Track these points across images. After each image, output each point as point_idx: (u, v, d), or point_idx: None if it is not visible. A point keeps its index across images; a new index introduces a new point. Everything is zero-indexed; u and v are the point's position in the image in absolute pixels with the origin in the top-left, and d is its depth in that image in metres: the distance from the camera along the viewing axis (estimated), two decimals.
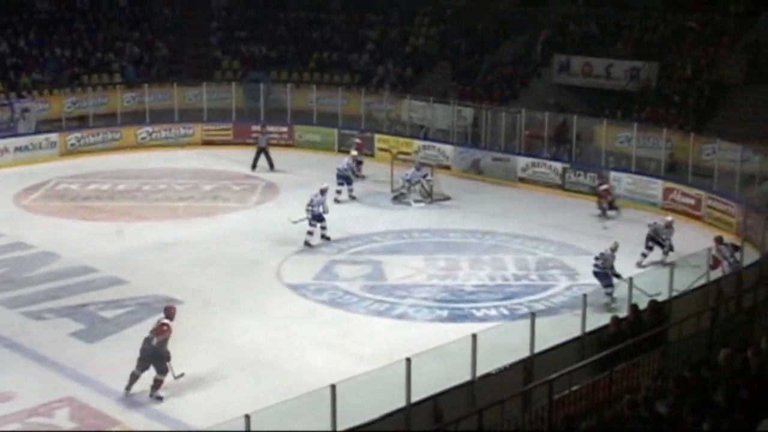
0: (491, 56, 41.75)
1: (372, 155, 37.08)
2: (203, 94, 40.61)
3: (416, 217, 29.62)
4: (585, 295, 17.92)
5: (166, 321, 17.65)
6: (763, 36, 36.18)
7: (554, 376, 14.52)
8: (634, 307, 17.78)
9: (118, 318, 21.28)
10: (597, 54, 38.20)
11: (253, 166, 35.12)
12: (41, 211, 29.96)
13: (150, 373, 17.53)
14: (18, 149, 36.25)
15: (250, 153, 35.80)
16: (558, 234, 27.89)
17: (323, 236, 26.92)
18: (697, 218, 29.23)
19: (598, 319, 17.70)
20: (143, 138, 39.19)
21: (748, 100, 34.45)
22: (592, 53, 38.33)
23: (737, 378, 11.76)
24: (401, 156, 34.59)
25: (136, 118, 39.71)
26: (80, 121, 38.81)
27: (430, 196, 31.23)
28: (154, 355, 17.46)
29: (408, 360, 14.41)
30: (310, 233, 26.54)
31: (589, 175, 32.17)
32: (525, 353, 16.34)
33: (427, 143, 36.59)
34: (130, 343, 19.62)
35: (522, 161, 34.13)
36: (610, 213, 29.77)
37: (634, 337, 16.61)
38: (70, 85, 40.94)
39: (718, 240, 23.07)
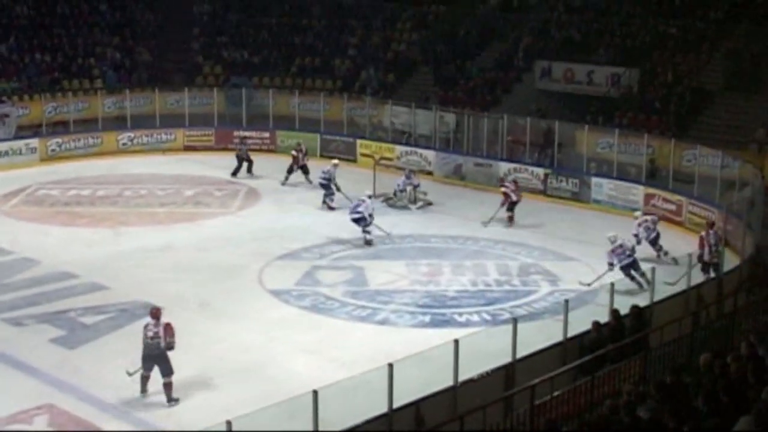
0: (473, 62, 41.83)
1: (354, 160, 37.12)
2: (185, 100, 40.53)
3: (398, 222, 29.60)
4: (567, 301, 17.96)
5: (167, 321, 17.77)
6: (743, 42, 36.35)
7: (536, 381, 14.58)
8: (615, 313, 17.84)
9: (99, 324, 21.20)
10: (578, 60, 38.32)
11: (234, 173, 35.14)
12: (21, 217, 29.84)
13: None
14: None
15: (231, 158, 35.75)
16: (540, 239, 27.96)
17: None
18: (678, 224, 29.34)
19: (580, 325, 17.74)
20: (124, 144, 39.09)
21: (728, 106, 34.62)
22: (573, 59, 38.45)
23: (717, 383, 11.82)
24: (383, 161, 34.64)
25: (117, 123, 39.63)
26: (61, 127, 38.66)
27: (414, 203, 31.21)
28: (161, 356, 17.56)
29: (390, 365, 14.43)
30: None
31: (571, 181, 32.28)
32: (507, 359, 16.39)
33: (409, 149, 36.63)
34: (110, 349, 19.66)
35: (504, 167, 34.19)
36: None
37: (616, 343, 16.69)
38: (51, 91, 40.81)
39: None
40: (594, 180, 32.02)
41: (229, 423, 12.51)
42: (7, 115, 37.55)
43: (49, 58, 42.51)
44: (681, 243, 26.67)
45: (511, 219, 29.64)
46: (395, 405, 14.56)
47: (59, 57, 42.88)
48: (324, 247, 27.05)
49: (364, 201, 27.44)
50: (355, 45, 45.32)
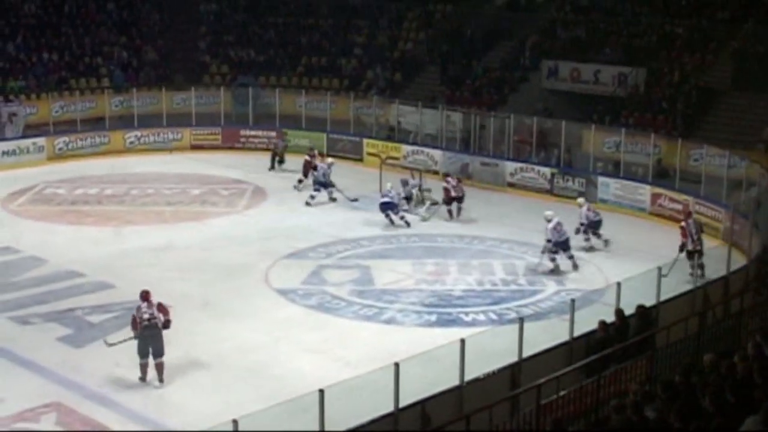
0: (479, 61, 41.81)
1: (361, 160, 37.14)
2: (191, 99, 40.61)
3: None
4: (573, 300, 17.94)
5: (159, 301, 18.37)
6: (750, 42, 36.29)
7: (542, 381, 14.54)
8: (620, 313, 17.81)
9: (105, 323, 21.20)
10: (585, 59, 38.29)
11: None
12: (28, 216, 29.89)
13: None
14: (5, 153, 36.17)
15: (238, 157, 35.80)
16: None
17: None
18: None
19: (586, 324, 17.72)
20: (131, 142, 39.15)
21: (735, 106, 34.55)
22: (580, 59, 38.41)
23: (724, 383, 11.79)
24: (390, 161, 34.63)
25: (124, 122, 39.69)
26: (68, 126, 38.71)
27: (423, 204, 31.15)
28: (157, 336, 18.09)
29: (396, 365, 14.42)
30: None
31: (578, 181, 32.26)
32: (513, 358, 16.37)
33: (416, 148, 36.62)
34: (116, 347, 19.60)
35: (510, 166, 34.20)
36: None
37: (622, 342, 16.66)
38: (58, 90, 40.88)
39: (688, 214, 25.16)
40: (600, 179, 32.00)
41: (235, 422, 12.51)
42: (14, 114, 37.61)
43: (56, 57, 42.55)
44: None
45: (450, 213, 30.01)
46: (401, 404, 14.55)
47: (66, 56, 42.93)
48: (330, 246, 27.05)
49: (390, 191, 28.64)
50: (361, 44, 45.33)
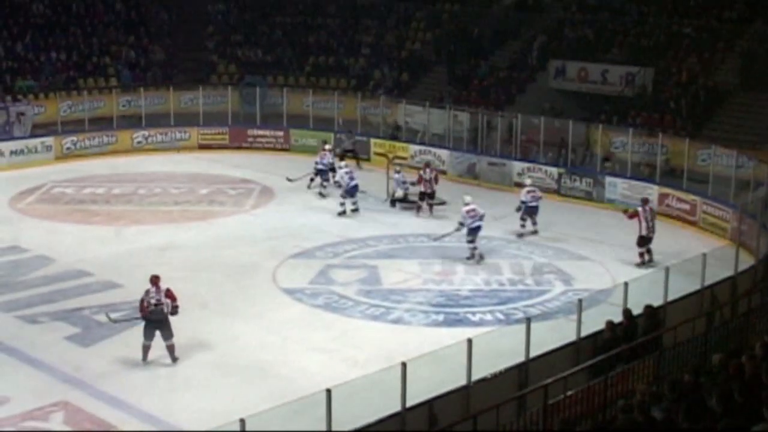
0: (487, 61, 41.81)
1: (368, 160, 37.15)
2: (199, 98, 40.66)
3: (411, 222, 29.60)
4: (580, 300, 17.93)
5: (167, 287, 18.94)
6: (758, 42, 36.25)
7: (549, 381, 14.54)
8: (627, 313, 17.79)
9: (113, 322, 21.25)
10: (593, 59, 38.26)
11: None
12: (36, 215, 29.94)
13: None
14: (13, 153, 36.24)
15: (245, 157, 35.79)
16: (553, 239, 27.92)
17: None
18: (692, 224, 29.27)
19: (594, 324, 17.70)
20: (139, 142, 39.20)
21: (742, 106, 34.52)
22: (587, 59, 38.39)
23: (732, 383, 11.78)
24: (397, 161, 34.61)
25: (131, 121, 39.76)
26: (76, 125, 38.78)
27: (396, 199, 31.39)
28: (164, 321, 18.74)
29: (403, 364, 14.42)
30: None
31: (585, 181, 32.24)
32: (520, 358, 16.36)
33: (423, 148, 36.61)
34: (124, 346, 19.69)
35: (518, 166, 34.18)
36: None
37: (629, 342, 16.65)
38: (66, 89, 40.95)
39: (645, 201, 26.60)
40: (608, 179, 31.97)
41: (242, 421, 12.53)
42: (23, 114, 37.68)
43: (64, 57, 42.64)
44: (695, 243, 26.65)
45: (419, 209, 30.41)
46: (408, 404, 14.55)
47: (74, 56, 43.01)
48: (337, 245, 27.06)
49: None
50: (369, 44, 45.36)
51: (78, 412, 17.12)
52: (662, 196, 30.49)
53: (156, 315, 18.71)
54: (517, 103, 38.69)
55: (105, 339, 20.39)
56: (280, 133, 39.76)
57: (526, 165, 34.04)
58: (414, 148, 36.71)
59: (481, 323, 21.43)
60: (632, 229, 27.48)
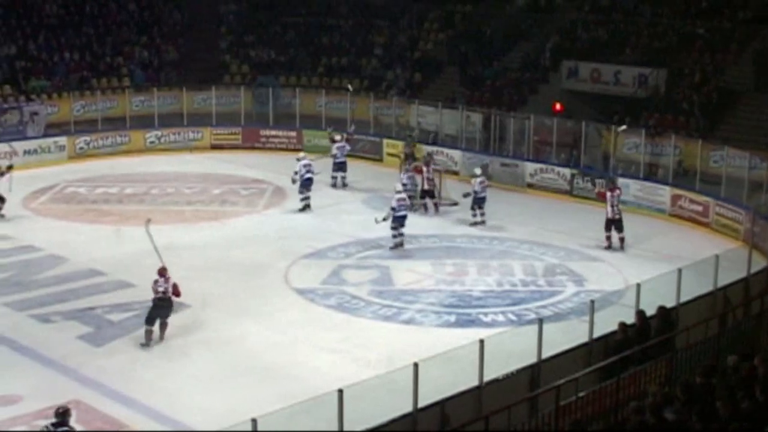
0: (499, 62, 41.76)
1: (381, 160, 37.14)
2: (212, 99, 40.72)
3: (423, 222, 29.59)
4: (593, 302, 17.89)
5: (173, 281, 20.23)
6: None
7: (561, 382, 14.52)
8: (641, 314, 17.75)
9: (125, 321, 21.29)
10: (605, 60, 38.15)
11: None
12: (49, 215, 30.01)
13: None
14: (27, 152, 36.30)
15: (258, 157, 35.82)
16: (566, 240, 27.88)
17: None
18: (705, 225, 29.18)
19: (606, 326, 17.67)
20: (152, 142, 39.28)
21: (756, 107, 34.37)
22: (600, 59, 38.29)
23: (744, 385, 11.75)
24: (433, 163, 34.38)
25: (144, 122, 39.81)
26: (89, 125, 38.86)
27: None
28: (168, 308, 20.10)
29: (415, 365, 14.41)
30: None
31: (598, 182, 32.18)
32: (532, 359, 16.34)
33: (436, 149, 36.58)
34: (136, 346, 19.73)
35: (530, 167, 34.14)
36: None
37: (642, 344, 16.61)
38: (79, 89, 41.02)
39: (612, 186, 27.63)
40: (620, 181, 31.86)
41: (254, 421, 12.53)
42: (36, 113, 37.76)
43: (77, 57, 42.71)
44: (708, 244, 26.55)
45: (424, 207, 30.73)
46: (420, 404, 14.55)
47: (88, 56, 43.09)
48: (349, 246, 27.07)
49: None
50: (381, 45, 45.33)
51: (90, 410, 17.15)
52: (675, 198, 30.42)
53: (161, 302, 20.00)
54: (529, 103, 38.63)
55: (117, 338, 20.44)
56: (293, 134, 39.78)
57: (538, 166, 33.98)
58: (426, 148, 36.62)
59: (493, 324, 21.41)
60: (646, 231, 27.50)
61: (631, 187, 31.44)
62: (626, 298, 20.37)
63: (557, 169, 33.53)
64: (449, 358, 16.07)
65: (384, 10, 47.06)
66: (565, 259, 26.30)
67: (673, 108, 35.60)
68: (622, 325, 17.46)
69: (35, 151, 36.55)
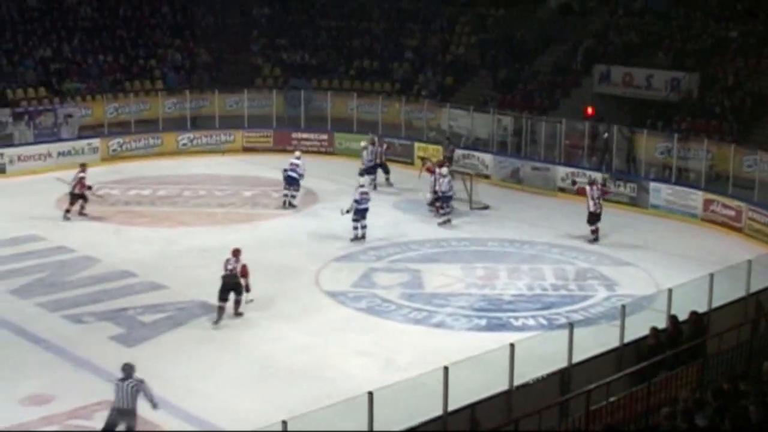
0: (531, 66, 41.66)
1: (412, 163, 37.13)
2: (244, 101, 40.83)
3: (455, 225, 29.56)
4: (624, 306, 17.85)
5: (243, 263, 21.75)
6: None
7: (592, 386, 14.49)
8: (673, 319, 17.68)
9: (157, 322, 21.43)
10: (638, 64, 37.96)
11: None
12: (83, 216, 30.17)
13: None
14: (61, 154, 36.57)
15: (289, 160, 35.72)
16: (597, 244, 27.78)
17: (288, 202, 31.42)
18: (738, 230, 29.01)
19: (637, 331, 17.61)
20: (184, 144, 39.44)
21: None
22: (632, 63, 38.11)
23: None
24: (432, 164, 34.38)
25: (177, 124, 39.99)
26: (122, 127, 39.09)
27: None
28: (237, 285, 21.55)
29: (445, 368, 14.42)
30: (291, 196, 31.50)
31: (629, 186, 32.06)
32: (563, 363, 16.31)
33: (467, 152, 36.55)
34: (168, 347, 19.90)
35: (562, 171, 34.04)
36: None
37: (673, 349, 16.53)
38: (112, 91, 41.24)
39: (592, 182, 28.78)
40: (652, 185, 31.77)
41: (284, 423, 12.57)
42: (70, 116, 38.03)
43: (111, 60, 42.95)
44: (739, 249, 26.45)
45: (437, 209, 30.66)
46: (450, 408, 14.55)
47: (121, 58, 43.32)
48: (380, 249, 27.09)
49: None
50: (413, 48, 45.30)
51: None
52: (707, 202, 30.25)
53: (228, 279, 21.46)
54: (561, 107, 38.52)
55: (148, 339, 20.57)
56: (325, 137, 39.85)
57: (569, 170, 33.88)
58: (457, 152, 36.53)
59: (523, 328, 21.40)
60: (678, 236, 27.36)
61: (662, 192, 31.36)
62: (658, 302, 20.31)
63: (589, 173, 33.39)
64: (479, 361, 16.05)
65: (415, 13, 47.03)
66: (596, 263, 26.23)
67: (705, 112, 35.39)
68: (654, 329, 17.40)
69: (69, 152, 36.76)
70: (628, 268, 25.81)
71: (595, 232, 28.14)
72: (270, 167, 36.62)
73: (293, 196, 31.40)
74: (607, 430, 12.86)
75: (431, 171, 31.20)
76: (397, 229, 28.99)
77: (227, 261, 21.66)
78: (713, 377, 15.37)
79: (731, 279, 20.73)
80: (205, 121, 40.30)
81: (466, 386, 15.23)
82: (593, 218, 28.12)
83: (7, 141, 36.35)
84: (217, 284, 21.35)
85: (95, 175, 34.83)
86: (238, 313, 21.64)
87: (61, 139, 37.18)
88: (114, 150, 37.96)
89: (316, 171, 35.35)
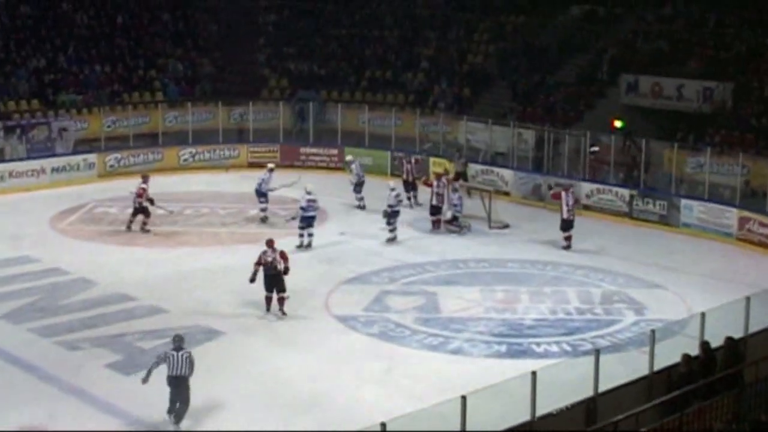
0: (553, 76, 41.68)
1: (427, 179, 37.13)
2: (249, 114, 40.95)
3: (472, 246, 29.56)
4: (653, 331, 17.76)
5: (281, 250, 23.60)
6: None
7: (620, 417, 14.43)
8: (705, 345, 17.59)
9: (157, 349, 21.28)
10: (667, 73, 37.97)
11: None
12: (78, 236, 30.27)
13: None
14: (55, 170, 36.69)
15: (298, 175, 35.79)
16: (624, 265, 27.73)
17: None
18: None
19: (668, 358, 17.51)
20: (186, 159, 39.54)
21: None
22: (662, 72, 38.12)
23: None
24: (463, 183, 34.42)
25: (178, 138, 40.09)
26: (120, 142, 39.21)
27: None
28: (278, 277, 23.13)
29: (463, 398, 14.36)
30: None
31: (659, 203, 32.00)
32: (588, 392, 16.22)
33: (485, 167, 36.55)
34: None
35: (586, 187, 34.00)
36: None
37: (707, 378, 16.45)
38: (110, 104, 41.39)
39: (567, 189, 30.16)
40: (683, 202, 31.69)
41: None
42: (65, 129, 38.15)
43: (108, 70, 43.13)
44: None
45: (436, 224, 31.22)
46: None
47: (119, 68, 43.51)
48: (394, 270, 27.08)
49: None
50: (428, 57, 45.38)
51: None
52: (743, 220, 30.16)
53: (271, 270, 23.12)
54: (585, 120, 38.49)
55: (147, 367, 20.50)
56: (334, 152, 39.90)
57: (595, 186, 33.85)
58: (475, 167, 36.58)
59: (546, 355, 21.35)
60: (711, 256, 27.25)
61: (694, 209, 31.30)
62: (690, 328, 20.18)
63: (615, 189, 33.37)
64: (499, 390, 16.00)
65: (431, 20, 47.16)
66: (624, 285, 26.16)
67: (740, 124, 35.37)
68: (686, 357, 17.31)
69: (64, 168, 36.90)
70: (658, 290, 25.74)
71: (568, 239, 29.26)
72: (277, 184, 36.65)
73: (311, 235, 29.38)
74: None
75: (429, 185, 31.63)
76: (411, 249, 28.97)
77: (265, 253, 23.24)
78: (750, 408, 15.30)
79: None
80: (208, 135, 40.38)
81: (485, 417, 15.15)
82: (566, 225, 29.30)
83: None
84: (221, 308, 21.38)
85: (92, 192, 35.09)
86: (282, 312, 23.11)
87: (55, 155, 37.31)
88: (111, 166, 38.06)
89: (326, 188, 35.31)
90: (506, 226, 31.37)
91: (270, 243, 23.50)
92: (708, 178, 31.89)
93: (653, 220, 32.02)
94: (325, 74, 45.69)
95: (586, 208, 33.63)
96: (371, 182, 34.07)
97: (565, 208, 29.26)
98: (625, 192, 33.06)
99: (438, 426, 15.08)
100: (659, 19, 42.06)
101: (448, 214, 31.00)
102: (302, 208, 28.83)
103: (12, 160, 36.50)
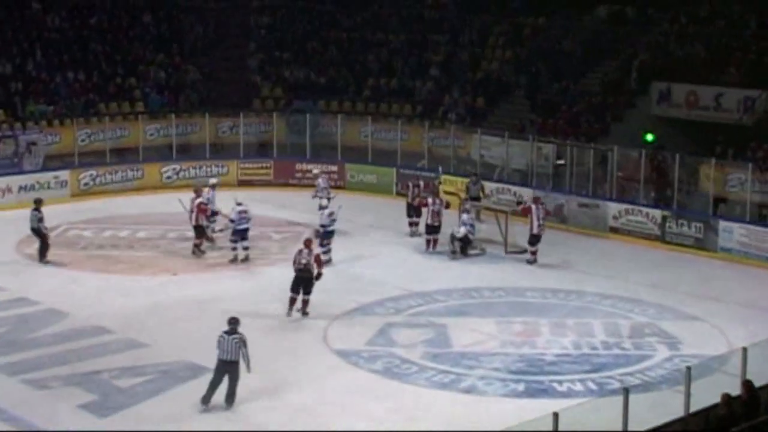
0: (577, 84, 41.76)
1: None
2: (239, 127, 41.04)
3: (487, 272, 29.56)
4: (689, 368, 17.75)
5: (316, 252, 25.62)
6: None
7: None
8: (748, 384, 17.57)
9: (136, 388, 21.36)
10: (704, 81, 38.06)
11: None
12: (48, 262, 30.24)
13: None
14: (23, 189, 36.71)
15: (292, 195, 35.87)
16: (656, 295, 27.72)
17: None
18: None
19: (706, 398, 17.50)
20: (168, 177, 39.61)
21: None
22: (698, 80, 38.20)
23: None
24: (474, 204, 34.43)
25: (160, 153, 40.16)
26: (95, 157, 39.27)
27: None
28: (309, 280, 25.08)
29: None
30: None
31: (695, 226, 31.98)
32: None
33: (501, 186, 36.58)
34: (149, 418, 19.76)
35: (614, 208, 34.02)
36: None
37: (749, 420, 16.43)
38: (84, 115, 41.44)
39: (536, 200, 31.67)
40: (722, 224, 31.67)
41: None
42: (34, 143, 38.18)
43: (82, 77, 43.22)
44: None
45: (431, 243, 32.03)
46: None
47: (94, 76, 43.59)
48: (400, 300, 27.09)
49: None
50: (438, 64, 45.47)
51: None
52: None
53: (304, 273, 25.03)
54: (612, 133, 38.53)
55: (125, 408, 20.47)
56: (334, 168, 39.95)
57: (623, 207, 33.87)
58: (490, 186, 36.59)
59: (569, 394, 21.30)
60: (755, 285, 27.23)
61: (734, 232, 31.29)
62: (730, 364, 20.20)
63: (646, 210, 33.37)
64: None
65: (441, 23, 47.29)
66: (656, 317, 26.15)
67: None
68: (726, 396, 17.29)
69: (32, 187, 36.85)
70: (694, 322, 25.72)
71: (534, 253, 30.59)
72: (270, 204, 36.76)
73: (246, 248, 30.62)
74: None
75: (424, 204, 32.28)
76: (419, 277, 28.97)
77: (300, 253, 25.28)
78: None
79: None
80: (193, 149, 40.43)
81: None
82: (535, 239, 30.58)
83: None
84: (207, 342, 21.30)
85: (64, 213, 35.08)
86: (305, 313, 25.23)
87: (23, 172, 37.40)
88: (86, 184, 38.13)
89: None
90: (524, 251, 31.37)
91: (308, 243, 25.45)
92: (750, 197, 31.90)
93: (688, 244, 32.02)
94: (323, 82, 45.79)
95: (613, 231, 33.67)
96: (375, 201, 34.04)
97: (535, 223, 30.50)
98: (657, 213, 33.06)
99: None
100: (695, 21, 42.14)
101: (461, 230, 31.00)
102: (231, 221, 30.02)
103: None
